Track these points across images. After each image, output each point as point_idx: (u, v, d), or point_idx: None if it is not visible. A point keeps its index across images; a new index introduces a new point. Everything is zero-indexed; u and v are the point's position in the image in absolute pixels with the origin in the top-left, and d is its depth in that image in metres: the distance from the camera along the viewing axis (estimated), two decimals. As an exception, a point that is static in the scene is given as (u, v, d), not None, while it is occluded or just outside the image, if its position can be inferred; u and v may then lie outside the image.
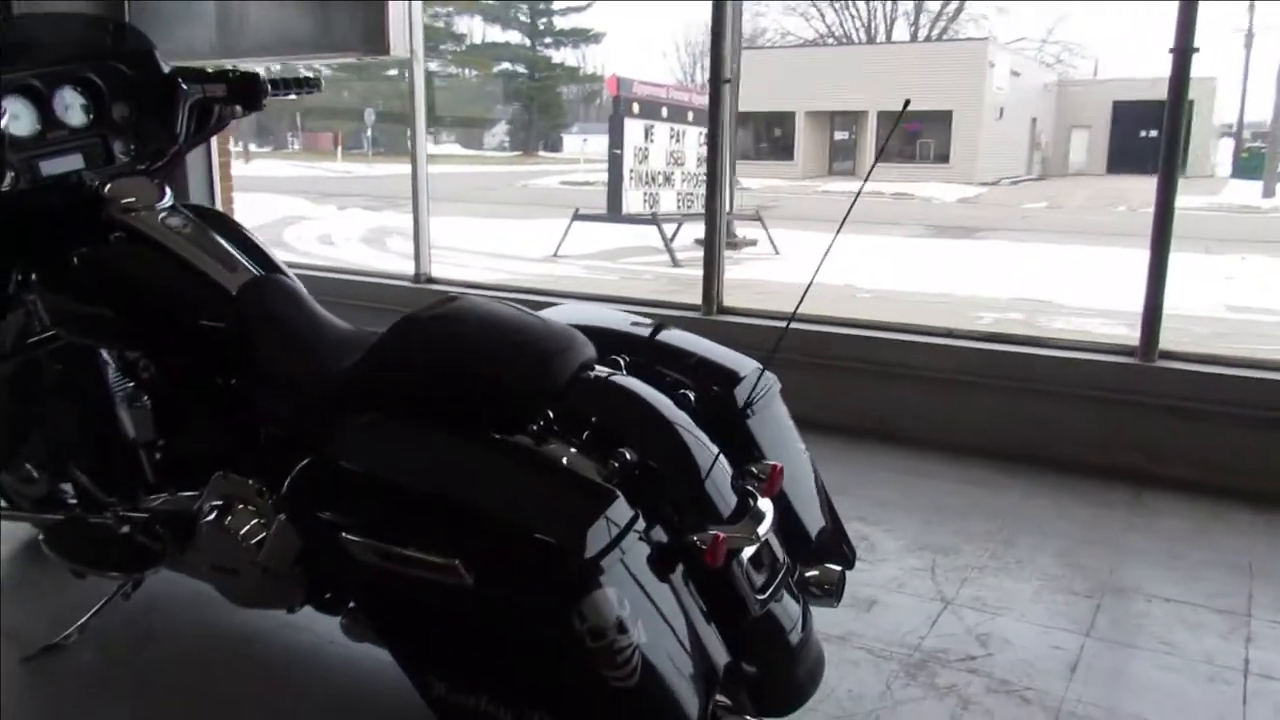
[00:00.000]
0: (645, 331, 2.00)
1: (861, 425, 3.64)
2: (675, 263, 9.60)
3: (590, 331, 1.86)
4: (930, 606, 2.32)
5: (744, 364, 1.93)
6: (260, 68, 2.38)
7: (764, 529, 1.63)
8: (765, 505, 1.67)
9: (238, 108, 2.31)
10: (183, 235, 2.02)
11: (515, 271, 9.04)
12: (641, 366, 1.85)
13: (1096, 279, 9.34)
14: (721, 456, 1.68)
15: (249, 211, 14.40)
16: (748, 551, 1.59)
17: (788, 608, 1.69)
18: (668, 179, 9.84)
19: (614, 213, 9.59)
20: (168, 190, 2.13)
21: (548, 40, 41.52)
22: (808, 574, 1.85)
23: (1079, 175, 29.70)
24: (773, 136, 28.86)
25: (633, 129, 9.28)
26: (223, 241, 2.06)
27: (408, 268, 5.01)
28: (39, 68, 2.06)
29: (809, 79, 26.95)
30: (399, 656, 1.55)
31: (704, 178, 10.19)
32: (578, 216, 10.16)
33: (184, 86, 2.20)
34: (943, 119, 26.62)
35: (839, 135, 29.55)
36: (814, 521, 1.91)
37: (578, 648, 1.36)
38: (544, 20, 41.65)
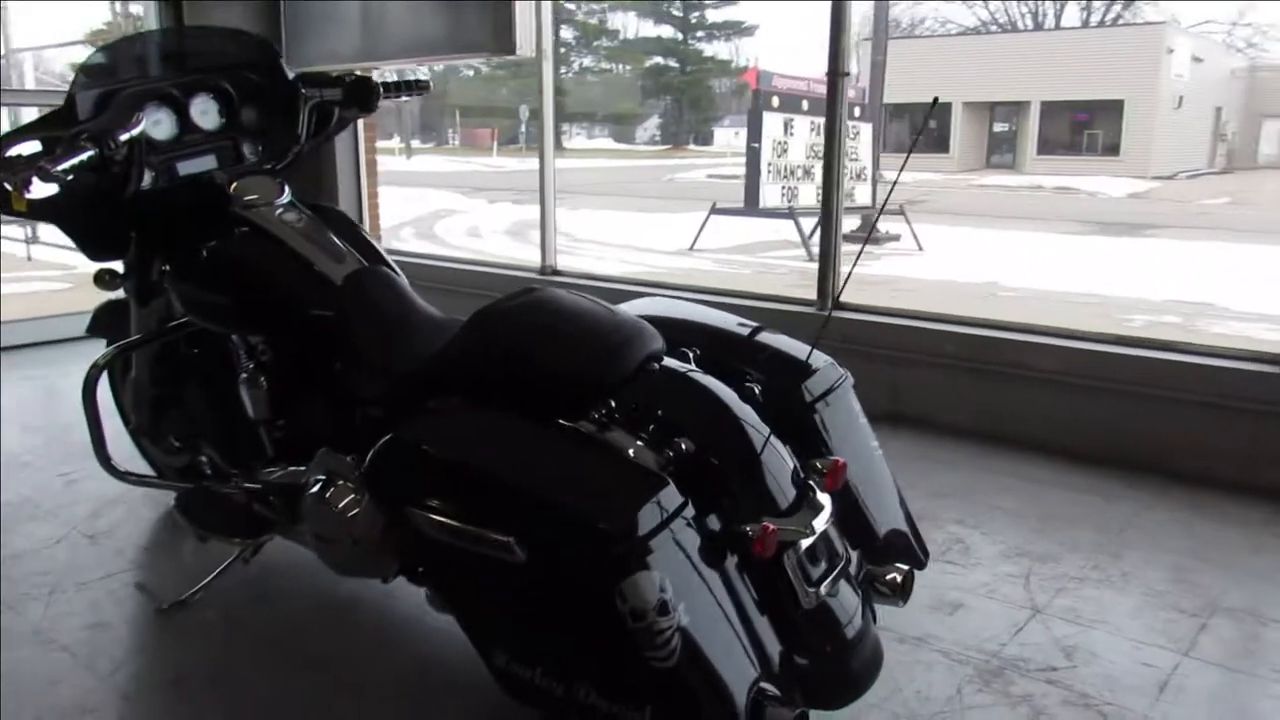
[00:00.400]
0: (721, 325, 2.04)
1: (978, 427, 3.55)
2: (811, 257, 9.49)
3: (665, 324, 1.92)
4: (1018, 614, 2.26)
5: (817, 359, 1.93)
6: (375, 72, 2.52)
7: (820, 522, 1.64)
8: (824, 499, 1.68)
9: (354, 109, 2.46)
10: (296, 229, 2.18)
11: (649, 264, 9.15)
12: (712, 359, 1.89)
13: (1273, 282, 8.69)
14: (781, 448, 1.70)
15: (404, 205, 15.15)
16: (804, 544, 1.61)
17: (844, 602, 1.69)
18: (807, 173, 9.73)
19: (751, 206, 9.56)
20: (287, 188, 2.30)
21: (699, 34, 41.55)
22: (875, 571, 1.85)
23: (1269, 169, 27.57)
24: (927, 128, 28.00)
25: (772, 122, 9.23)
26: (331, 235, 2.21)
27: (557, 261, 5.14)
28: (178, 78, 2.27)
29: (968, 68, 26.04)
30: (465, 627, 1.65)
31: (845, 171, 10.08)
32: (715, 210, 10.18)
33: (304, 91, 2.36)
34: (1113, 108, 25.23)
35: (998, 127, 28.46)
36: (882, 519, 1.90)
37: (620, 627, 1.41)
38: (696, 14, 41.70)
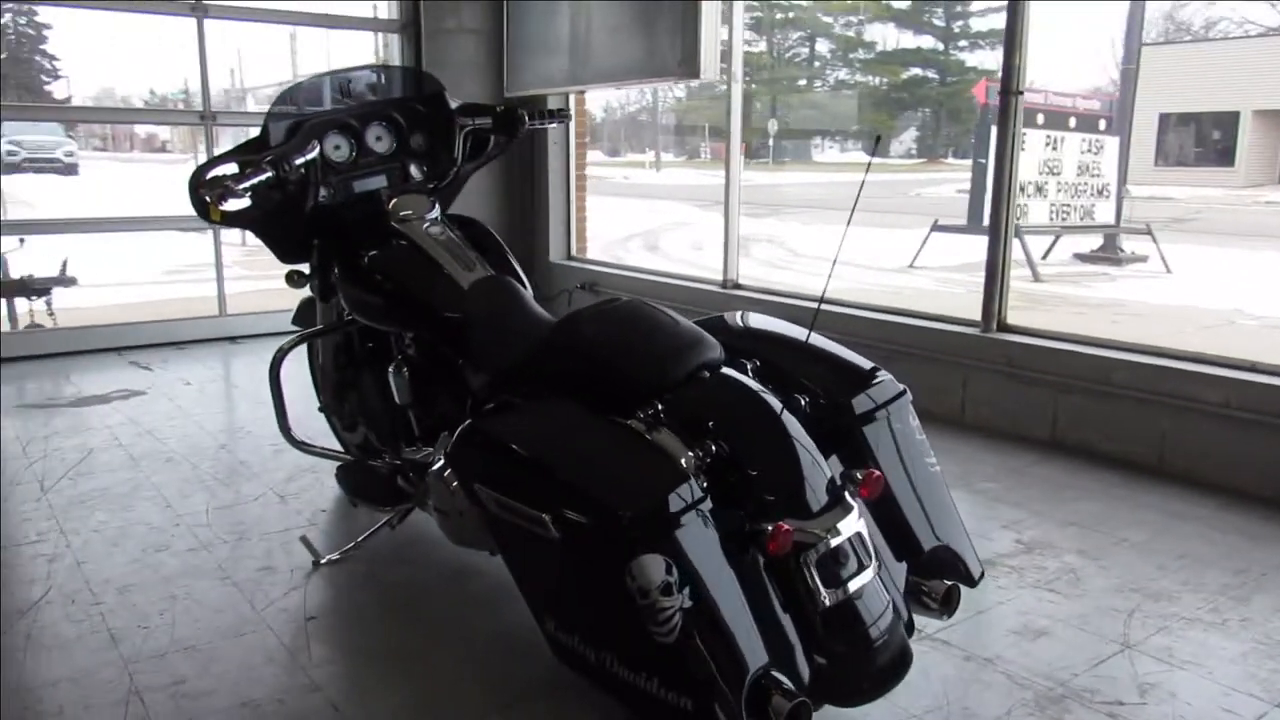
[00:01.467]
0: (789, 338, 2.15)
1: (1135, 459, 3.39)
2: (1036, 278, 9.06)
3: (737, 336, 2.09)
4: (1104, 648, 2.20)
5: (878, 375, 2.01)
6: (519, 103, 2.81)
7: (847, 527, 1.73)
8: (855, 507, 1.77)
9: (504, 136, 2.77)
10: (437, 241, 2.51)
11: (860, 281, 9.07)
12: (770, 370, 2.02)
13: None
14: (817, 456, 1.81)
15: (642, 216, 15.76)
16: (827, 546, 1.70)
17: (869, 606, 1.76)
18: (1039, 189, 9.27)
19: (974, 224, 9.24)
20: (437, 205, 2.64)
21: (962, 43, 39.98)
22: (919, 583, 1.91)
23: None
24: (1209, 140, 25.50)
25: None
26: (466, 247, 2.52)
27: (765, 274, 5.32)
28: (356, 109, 2.66)
29: (1264, 74, 23.49)
30: (523, 595, 1.88)
31: (1084, 188, 9.52)
32: (936, 228, 9.92)
33: (460, 120, 2.70)
34: None
35: (1299, 138, 25.42)
36: (930, 534, 1.94)
37: (629, 603, 1.59)
38: (959, 23, 40.16)
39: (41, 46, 34.72)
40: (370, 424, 2.79)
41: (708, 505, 1.66)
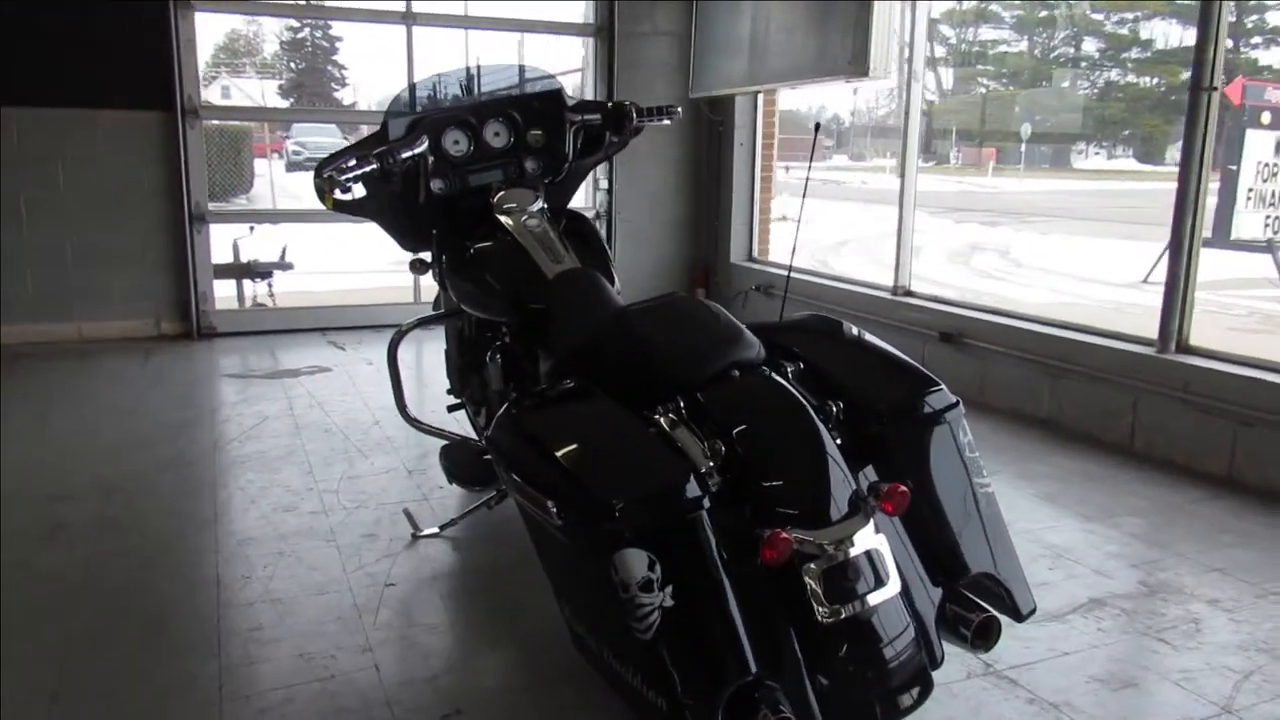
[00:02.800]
0: (845, 344, 2.05)
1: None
2: (1293, 299, 8.04)
3: (792, 337, 2.03)
4: (1199, 709, 1.95)
5: (927, 386, 1.88)
6: (629, 100, 2.84)
7: (860, 541, 1.64)
8: (870, 520, 1.67)
9: (613, 133, 2.81)
10: (532, 234, 2.59)
11: (1084, 295, 8.41)
12: (814, 374, 1.93)
13: None
14: (840, 465, 1.73)
15: (867, 222, 15.36)
16: (830, 559, 1.62)
17: (882, 627, 1.66)
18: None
19: (1219, 237, 8.32)
20: (540, 198, 2.71)
21: (1255, 40, 36.04)
22: (956, 612, 1.78)
23: None
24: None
25: (1258, 142, 7.92)
26: (559, 240, 2.58)
27: (975, 283, 5.11)
28: (474, 106, 2.79)
29: None
30: (549, 579, 1.91)
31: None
32: (1178, 241, 9.02)
33: (570, 117, 2.76)
34: None
35: None
36: (971, 559, 1.80)
37: (614, 594, 1.59)
38: (1254, 17, 36.25)
39: (333, 57, 38.55)
40: (476, 406, 2.91)
41: (706, 505, 1.62)
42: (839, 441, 1.80)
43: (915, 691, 1.68)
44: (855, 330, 2.11)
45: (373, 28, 5.84)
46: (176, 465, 3.35)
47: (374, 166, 2.48)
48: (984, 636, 1.76)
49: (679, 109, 2.87)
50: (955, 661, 2.11)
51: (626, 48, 6.07)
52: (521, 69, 2.95)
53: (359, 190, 2.60)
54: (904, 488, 1.71)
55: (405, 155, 2.54)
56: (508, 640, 2.25)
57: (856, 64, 4.40)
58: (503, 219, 2.64)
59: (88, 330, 5.17)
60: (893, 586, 1.68)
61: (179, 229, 5.33)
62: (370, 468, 3.35)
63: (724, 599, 1.60)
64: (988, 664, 2.13)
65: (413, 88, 2.88)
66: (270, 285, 6.10)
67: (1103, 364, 3.72)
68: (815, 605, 1.62)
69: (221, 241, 5.82)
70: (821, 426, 1.77)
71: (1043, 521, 2.96)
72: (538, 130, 2.82)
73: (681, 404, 1.81)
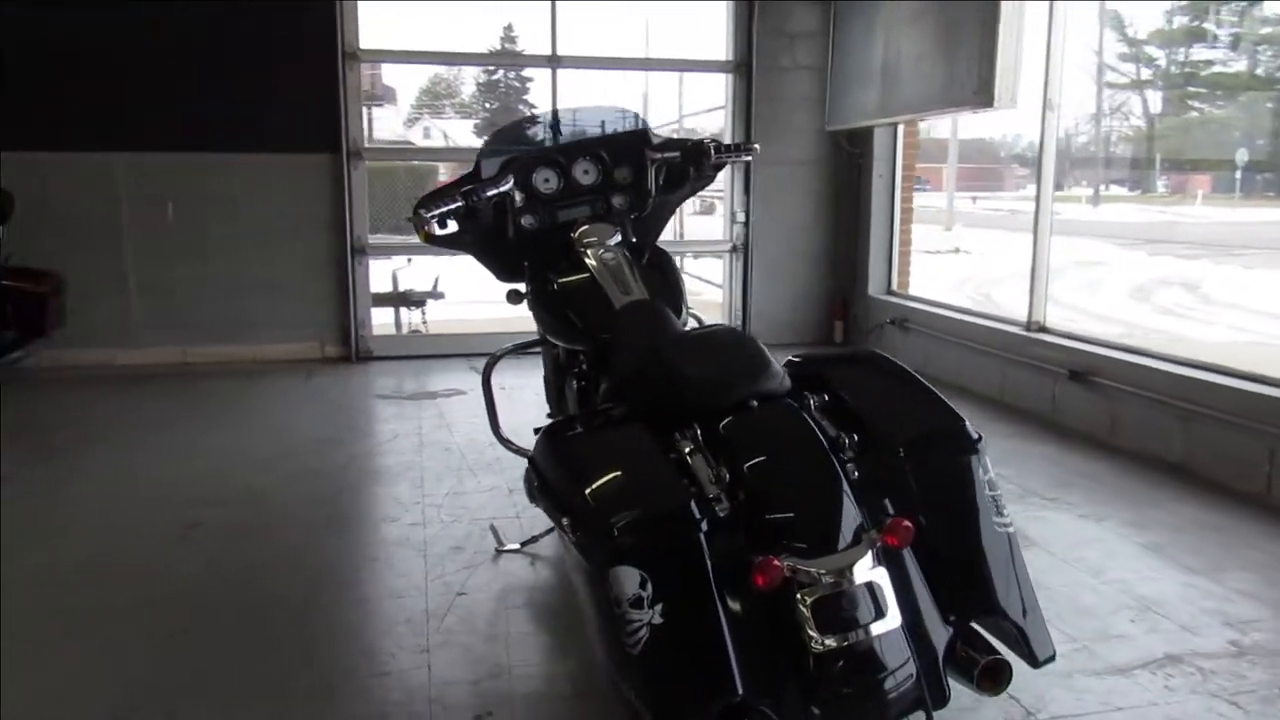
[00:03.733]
0: (871, 379, 2.07)
1: None
2: None
3: (826, 371, 2.07)
4: (1250, 776, 1.83)
5: (948, 422, 1.87)
6: (709, 137, 2.93)
7: (858, 573, 1.65)
8: (869, 553, 1.68)
9: (692, 169, 2.91)
10: (606, 267, 2.71)
11: (1265, 332, 7.75)
12: (839, 406, 1.96)
13: None
14: (843, 495, 1.75)
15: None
16: (842, 586, 1.64)
17: (879, 659, 1.67)
18: None
19: None
20: (618, 233, 2.84)
21: None
22: (966, 652, 1.76)
23: None
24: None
25: None
26: (632, 273, 2.69)
27: (1154, 322, 4.92)
28: (562, 146, 2.96)
29: None
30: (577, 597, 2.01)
31: None
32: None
33: (649, 155, 2.89)
34: None
35: None
36: (985, 600, 1.77)
37: (611, 610, 1.68)
38: None
39: (524, 97, 40.48)
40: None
41: (704, 529, 1.68)
42: (856, 474, 1.83)
43: (911, 732, 1.67)
44: (895, 364, 2.12)
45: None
46: (312, 476, 3.67)
47: (460, 204, 2.68)
48: (992, 679, 1.73)
49: (757, 145, 2.94)
50: (993, 709, 2.07)
51: (766, 82, 6.16)
52: (611, 109, 3.10)
53: (453, 225, 2.81)
54: (908, 522, 1.72)
55: (490, 193, 2.73)
56: (559, 654, 2.37)
57: (982, 94, 4.31)
58: (581, 252, 2.79)
59: (260, 352, 5.70)
60: (892, 620, 1.68)
61: (342, 261, 5.81)
62: (476, 485, 3.56)
63: (714, 620, 1.65)
64: (1029, 711, 2.07)
65: (505, 129, 3.07)
66: (424, 313, 6.53)
67: (1239, 407, 3.47)
68: (808, 633, 1.64)
69: (383, 273, 6.29)
70: (832, 458, 1.79)
71: (1139, 571, 2.81)
72: (624, 168, 2.96)
73: (699, 431, 1.88)
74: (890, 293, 6.19)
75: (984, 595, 1.79)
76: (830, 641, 1.64)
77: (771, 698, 1.65)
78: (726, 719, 1.64)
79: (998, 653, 1.75)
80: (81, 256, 5.46)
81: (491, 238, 2.90)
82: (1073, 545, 3.01)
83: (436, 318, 6.80)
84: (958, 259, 15.84)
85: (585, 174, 2.93)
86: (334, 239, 5.80)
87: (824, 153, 6.30)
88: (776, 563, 1.62)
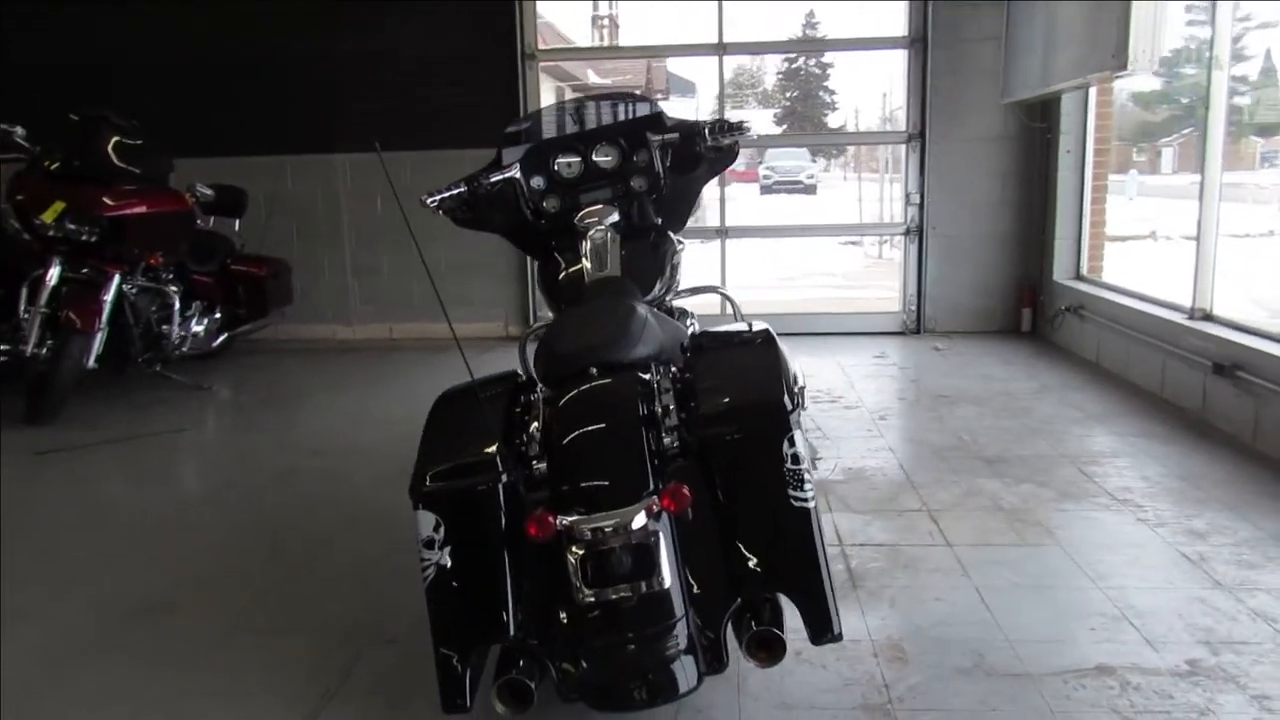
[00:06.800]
0: (739, 347, 2.09)
1: None
2: None
3: (701, 339, 2.14)
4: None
5: (761, 395, 1.87)
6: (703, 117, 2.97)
7: (625, 531, 1.73)
8: (639, 513, 1.74)
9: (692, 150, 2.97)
10: (593, 244, 2.85)
11: None
12: (682, 377, 2.00)
13: None
14: (631, 459, 1.83)
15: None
16: (622, 541, 1.72)
17: (637, 619, 1.74)
18: None
19: None
20: (615, 213, 2.96)
21: None
22: (749, 624, 1.79)
23: None
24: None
25: None
26: (611, 251, 2.81)
27: None
28: (582, 132, 3.12)
29: None
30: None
31: None
32: None
33: (650, 138, 2.98)
34: None
35: None
36: (769, 573, 1.79)
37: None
38: None
39: (824, 84, 40.01)
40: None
41: (502, 481, 1.83)
42: (676, 445, 1.87)
43: (655, 688, 1.73)
44: (767, 344, 2.11)
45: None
46: (412, 437, 4.10)
47: (461, 190, 2.93)
48: (764, 650, 1.74)
49: (749, 124, 2.93)
50: (858, 691, 2.02)
51: (946, 56, 5.87)
52: (625, 95, 3.22)
53: (443, 208, 3.03)
54: (686, 489, 1.76)
55: (494, 179, 2.95)
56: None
57: (1118, 57, 3.91)
58: (578, 230, 2.94)
59: (446, 331, 6.31)
60: (661, 581, 1.74)
61: (524, 246, 6.29)
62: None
63: (496, 566, 1.82)
64: (891, 701, 1.99)
65: (528, 117, 3.27)
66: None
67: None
68: (574, 585, 1.75)
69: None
70: (637, 426, 1.86)
71: (1150, 581, 2.53)
72: (641, 151, 3.07)
73: (540, 393, 2.03)
74: (1079, 277, 5.69)
75: (766, 567, 1.79)
76: (591, 595, 1.73)
77: (546, 644, 1.78)
78: (507, 657, 1.80)
79: (773, 626, 1.75)
80: (309, 244, 6.36)
81: (517, 221, 3.12)
82: (1101, 547, 2.75)
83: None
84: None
85: (605, 158, 3.07)
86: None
87: (1012, 128, 5.89)
88: (550, 518, 1.74)
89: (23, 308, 4.52)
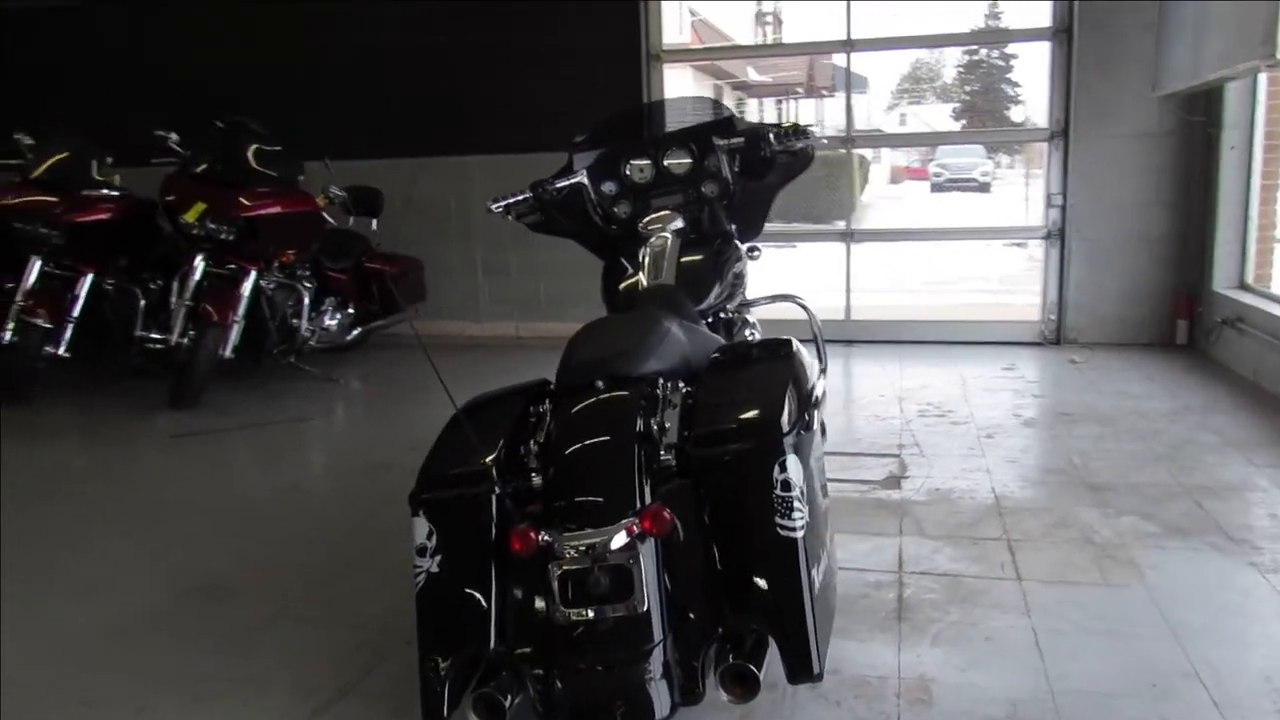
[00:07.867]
0: (755, 364, 2.02)
1: None
2: None
3: (729, 353, 2.09)
4: None
5: (759, 418, 1.79)
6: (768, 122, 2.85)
7: (603, 552, 1.69)
8: (619, 534, 1.70)
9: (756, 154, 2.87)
10: (652, 249, 2.81)
11: None
12: (687, 396, 1.94)
13: None
14: (620, 479, 1.79)
15: None
16: (602, 561, 1.69)
17: (612, 642, 1.70)
18: None
19: None
20: (679, 220, 2.90)
21: None
22: (728, 656, 1.72)
23: None
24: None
25: None
26: (669, 258, 2.76)
27: None
28: (654, 138, 3.08)
29: None
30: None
31: None
32: None
33: (716, 143, 2.90)
34: None
35: None
36: (751, 604, 1.70)
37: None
38: None
39: (1007, 76, 38.15)
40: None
41: (495, 493, 1.83)
42: (674, 464, 1.82)
43: (628, 714, 1.68)
44: (786, 355, 2.02)
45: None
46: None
47: (526, 196, 2.94)
48: (738, 686, 1.66)
49: (812, 127, 2.80)
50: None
51: (1092, 47, 5.45)
52: (699, 99, 3.14)
53: (512, 213, 3.03)
54: (667, 512, 1.71)
55: (560, 185, 2.95)
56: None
57: (1268, 44, 3.51)
58: (641, 234, 2.90)
59: (571, 330, 6.37)
60: (638, 605, 1.70)
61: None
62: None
63: (481, 577, 1.82)
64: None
65: (602, 122, 3.23)
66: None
67: None
68: (553, 603, 1.73)
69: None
70: (631, 444, 1.82)
71: (1238, 633, 2.26)
72: (712, 156, 3.00)
73: (547, 405, 2.01)
74: (1243, 287, 5.17)
75: (742, 597, 1.71)
76: (569, 614, 1.70)
77: (528, 659, 1.77)
78: (489, 670, 1.79)
79: (752, 661, 1.66)
80: (443, 243, 6.57)
81: (583, 225, 3.11)
82: (1194, 592, 2.48)
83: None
84: None
85: (678, 164, 3.02)
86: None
87: (1167, 123, 5.41)
88: (533, 534, 1.73)
89: (173, 300, 4.90)
